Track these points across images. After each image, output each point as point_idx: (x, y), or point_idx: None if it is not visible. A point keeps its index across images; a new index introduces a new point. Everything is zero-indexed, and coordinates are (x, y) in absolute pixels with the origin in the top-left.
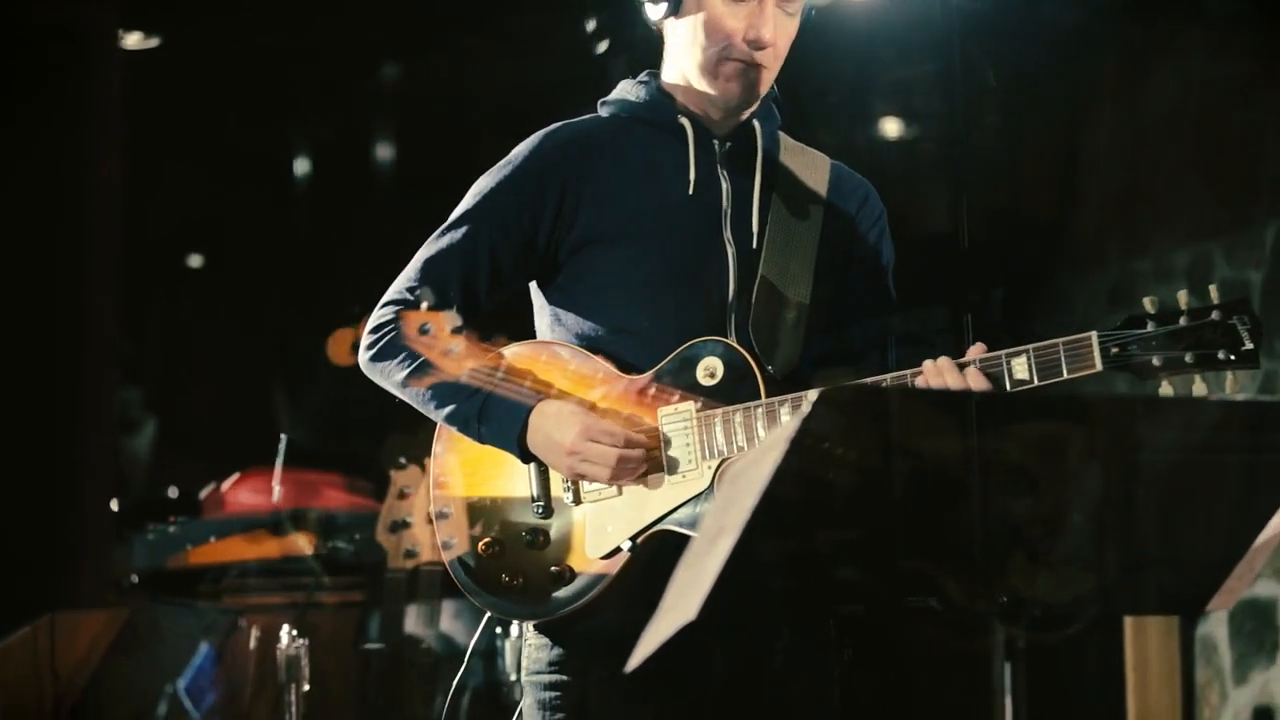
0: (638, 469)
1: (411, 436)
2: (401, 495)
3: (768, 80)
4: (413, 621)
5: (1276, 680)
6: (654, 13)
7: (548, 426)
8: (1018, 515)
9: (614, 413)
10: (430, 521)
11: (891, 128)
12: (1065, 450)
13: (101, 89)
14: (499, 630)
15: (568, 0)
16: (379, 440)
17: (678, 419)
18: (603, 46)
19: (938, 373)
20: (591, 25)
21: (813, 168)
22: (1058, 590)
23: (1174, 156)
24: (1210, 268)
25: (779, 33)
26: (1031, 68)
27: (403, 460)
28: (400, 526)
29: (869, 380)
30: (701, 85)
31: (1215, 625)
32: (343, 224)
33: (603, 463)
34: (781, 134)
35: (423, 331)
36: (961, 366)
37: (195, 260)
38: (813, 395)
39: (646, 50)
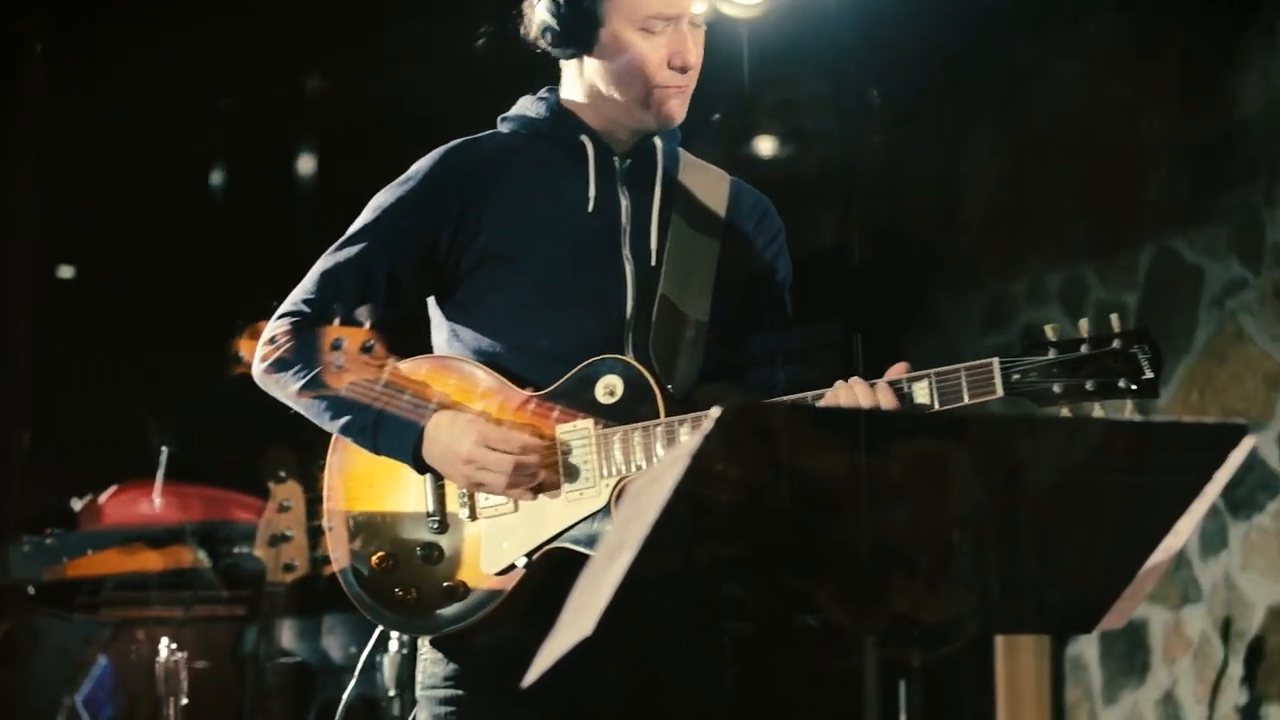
0: (534, 478)
1: (292, 450)
2: (282, 509)
3: (689, 97)
4: (291, 635)
5: (1146, 701)
6: (562, 54)
7: (444, 436)
8: (904, 534)
9: (512, 428)
10: (311, 535)
11: (779, 146)
12: (952, 469)
13: None
14: (379, 645)
15: (469, 11)
16: (260, 453)
17: (576, 436)
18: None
19: (848, 389)
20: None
21: (712, 185)
22: (938, 609)
23: (1050, 178)
24: (1085, 290)
25: (698, 50)
26: (914, 88)
27: (282, 474)
28: (280, 540)
29: (788, 399)
30: (633, 113)
31: (1085, 645)
32: (227, 234)
33: (499, 470)
34: (681, 150)
35: (335, 347)
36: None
37: (69, 271)
38: (714, 414)
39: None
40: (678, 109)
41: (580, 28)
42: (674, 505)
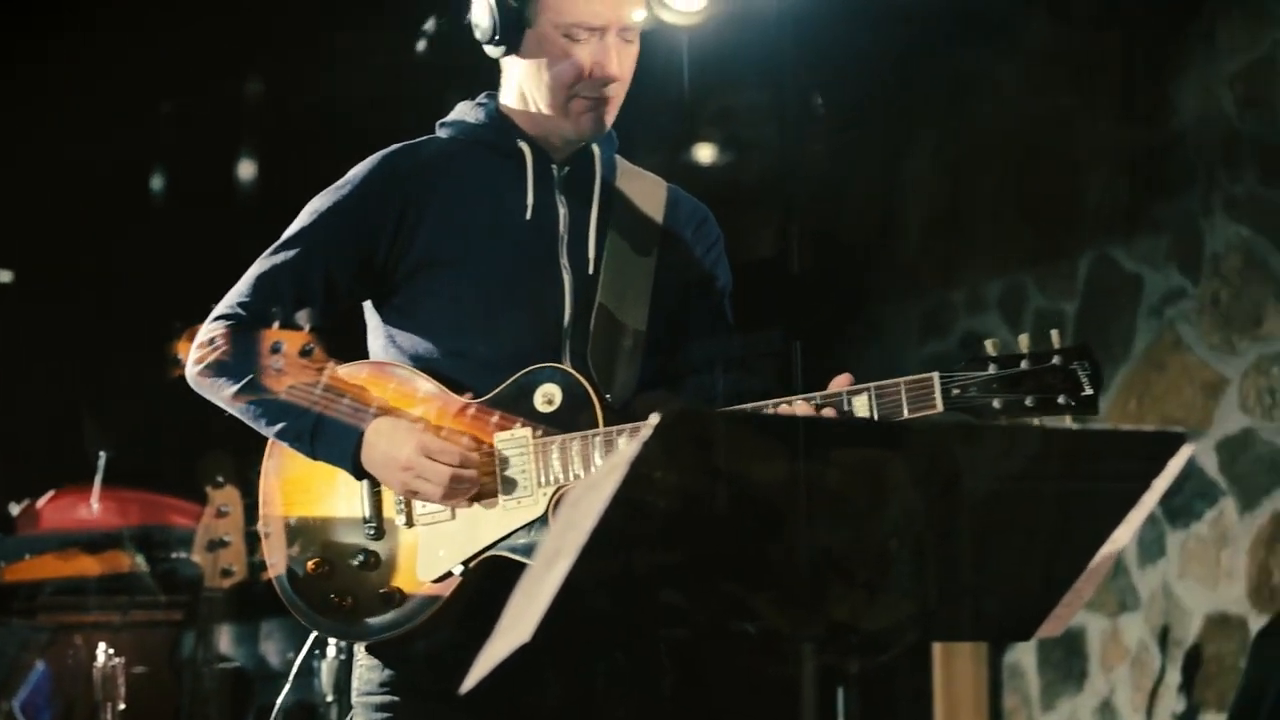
0: (471, 489)
1: (229, 454)
2: (219, 514)
3: (615, 109)
4: (228, 640)
5: (1084, 708)
6: (492, 51)
7: (383, 442)
8: (843, 542)
9: (451, 436)
10: (249, 540)
11: (719, 153)
12: (891, 478)
13: None
14: (316, 650)
15: (406, 17)
16: (197, 458)
17: (514, 445)
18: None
19: (788, 409)
20: (422, 45)
21: (650, 192)
22: (877, 617)
23: (990, 187)
24: (1024, 298)
25: (625, 61)
26: (854, 96)
27: (220, 479)
28: (217, 545)
29: (727, 410)
30: (553, 121)
31: (1023, 653)
32: (164, 238)
33: (436, 480)
34: (619, 158)
35: (274, 350)
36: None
37: (6, 275)
38: (653, 421)
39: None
40: (596, 120)
41: (508, 26)
42: (612, 512)
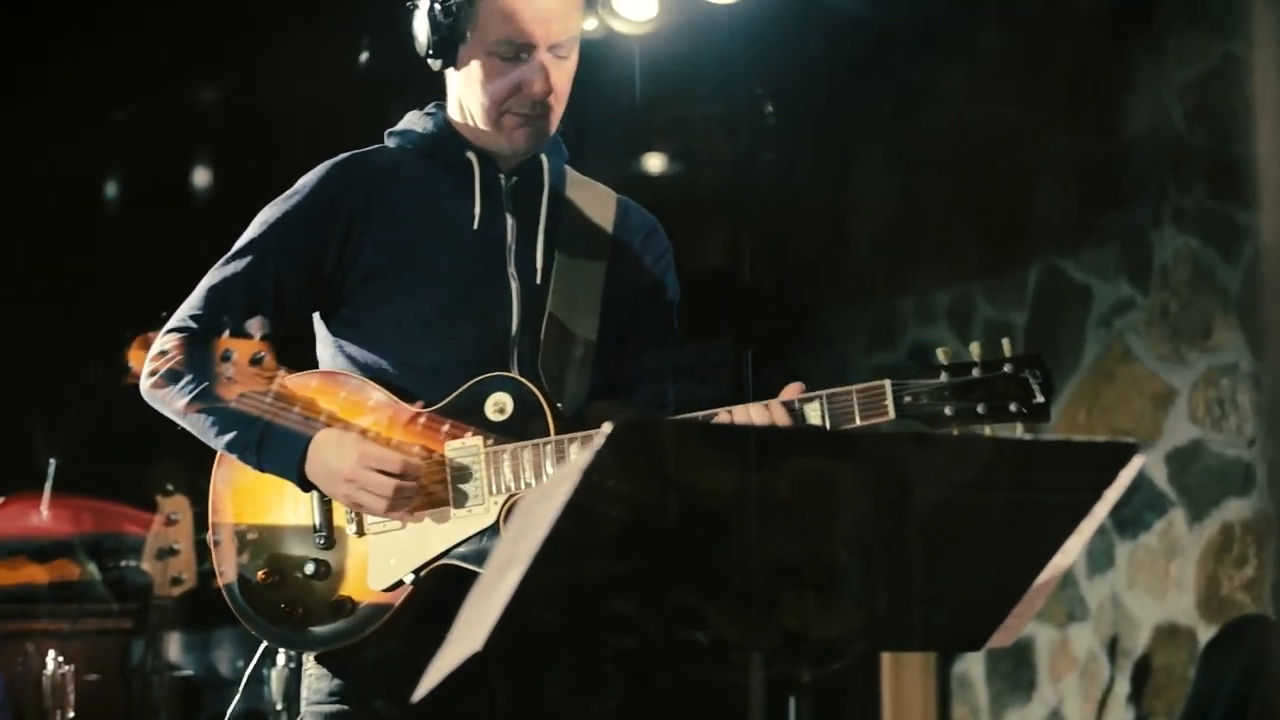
0: (415, 500)
1: (179, 463)
2: (169, 522)
3: (554, 122)
4: (178, 649)
5: (1032, 718)
6: (431, 64)
7: (326, 454)
8: (795, 551)
9: (403, 446)
10: (198, 549)
11: (670, 162)
12: (842, 487)
13: None
14: (266, 659)
15: (358, 25)
16: (147, 466)
17: (465, 454)
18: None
19: (743, 410)
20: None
21: (599, 203)
22: (828, 626)
23: (940, 197)
24: (973, 309)
25: (556, 78)
26: (805, 105)
27: (170, 487)
28: (167, 553)
29: (680, 418)
30: (490, 135)
31: (972, 663)
32: (115, 245)
33: (379, 492)
34: (568, 168)
35: (224, 359)
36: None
37: None
38: (606, 429)
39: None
40: (529, 136)
41: (442, 42)
42: (565, 521)
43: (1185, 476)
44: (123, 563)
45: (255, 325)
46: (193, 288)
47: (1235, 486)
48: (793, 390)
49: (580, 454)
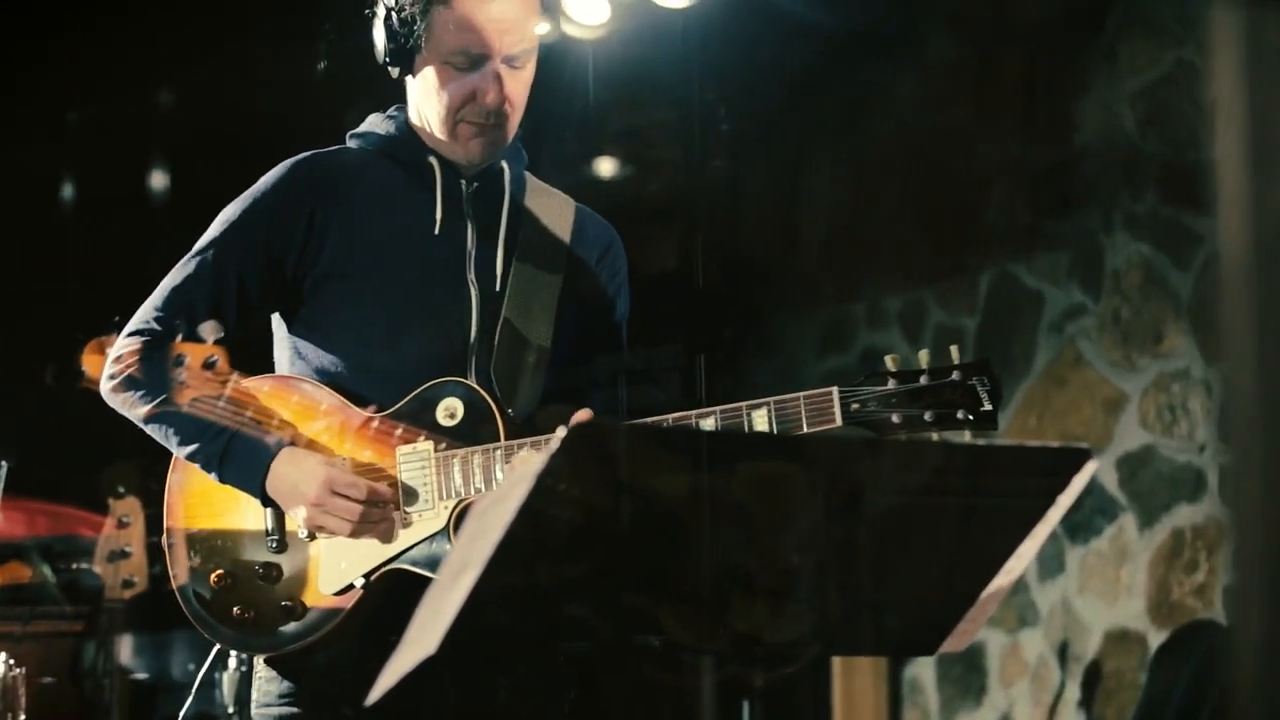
0: (379, 524)
1: (131, 465)
2: (121, 524)
3: (510, 132)
4: (130, 651)
5: None
6: (392, 72)
7: (292, 476)
8: (748, 555)
9: (355, 450)
10: (150, 552)
11: (621, 167)
12: (796, 492)
13: None
14: (217, 662)
15: (317, 26)
16: (99, 468)
17: (415, 459)
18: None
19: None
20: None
21: (558, 212)
22: (781, 630)
23: (892, 202)
24: (924, 314)
25: (511, 88)
26: (758, 110)
27: (121, 489)
28: (118, 556)
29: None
30: (446, 144)
31: (922, 668)
32: (69, 248)
33: (346, 517)
34: (528, 175)
35: (177, 363)
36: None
37: None
38: (561, 433)
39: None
40: (484, 145)
41: (398, 50)
42: (519, 525)
43: (1136, 482)
44: (75, 565)
45: (209, 329)
46: (148, 292)
47: (1186, 492)
48: (582, 416)
49: (535, 458)
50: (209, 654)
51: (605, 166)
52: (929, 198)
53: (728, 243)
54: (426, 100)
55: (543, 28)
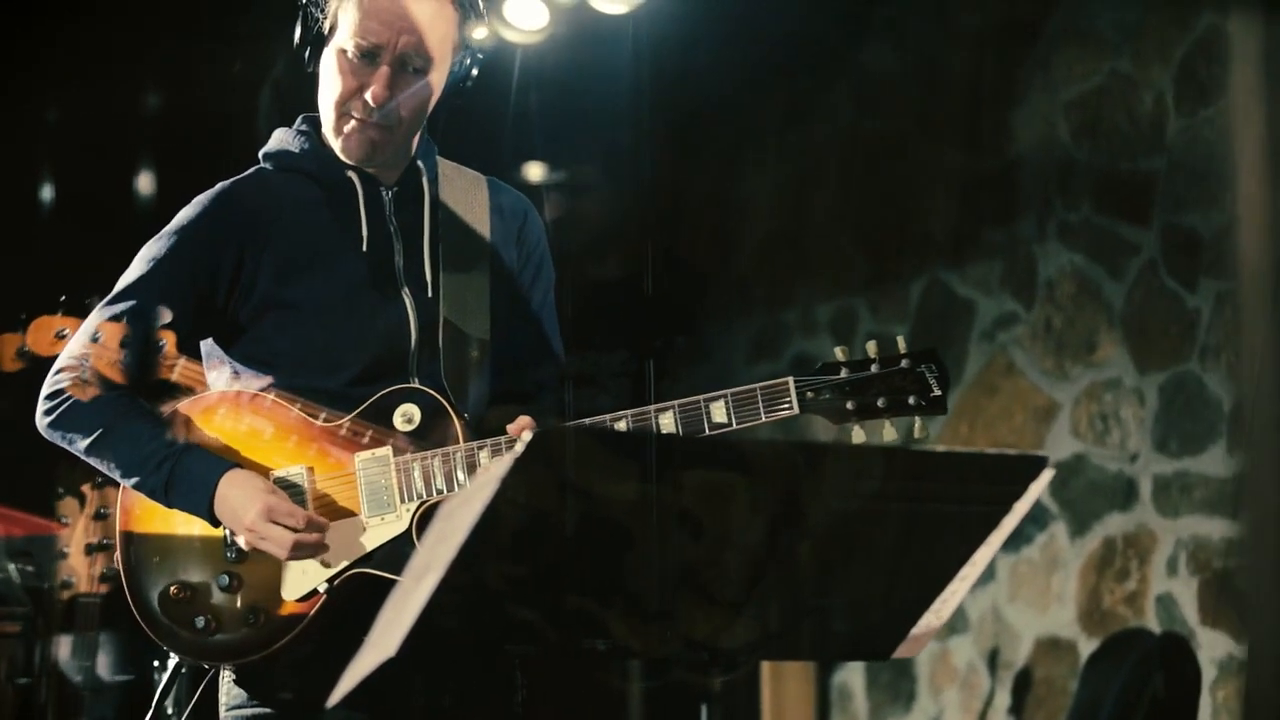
0: (316, 549)
1: (70, 466)
2: (98, 516)
3: (395, 143)
4: (67, 654)
5: None
6: (307, 67)
7: (233, 499)
8: (693, 560)
9: (317, 459)
10: (88, 553)
11: (557, 172)
12: (752, 497)
13: None
14: (155, 664)
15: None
16: (32, 469)
17: (375, 464)
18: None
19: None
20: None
21: (473, 198)
22: (733, 635)
23: (824, 210)
24: (855, 321)
25: (400, 91)
26: (693, 117)
27: (60, 490)
28: (95, 549)
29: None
30: (333, 141)
31: (851, 673)
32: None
33: (279, 544)
34: (440, 160)
35: (94, 340)
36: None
37: None
38: (527, 436)
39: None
40: (364, 145)
41: (308, 43)
42: (483, 527)
43: (1067, 490)
44: (10, 566)
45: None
46: (96, 287)
47: (1117, 501)
48: (521, 424)
49: (501, 461)
50: (145, 657)
51: (542, 172)
52: (863, 205)
53: (662, 249)
54: (322, 92)
55: (480, 32)
